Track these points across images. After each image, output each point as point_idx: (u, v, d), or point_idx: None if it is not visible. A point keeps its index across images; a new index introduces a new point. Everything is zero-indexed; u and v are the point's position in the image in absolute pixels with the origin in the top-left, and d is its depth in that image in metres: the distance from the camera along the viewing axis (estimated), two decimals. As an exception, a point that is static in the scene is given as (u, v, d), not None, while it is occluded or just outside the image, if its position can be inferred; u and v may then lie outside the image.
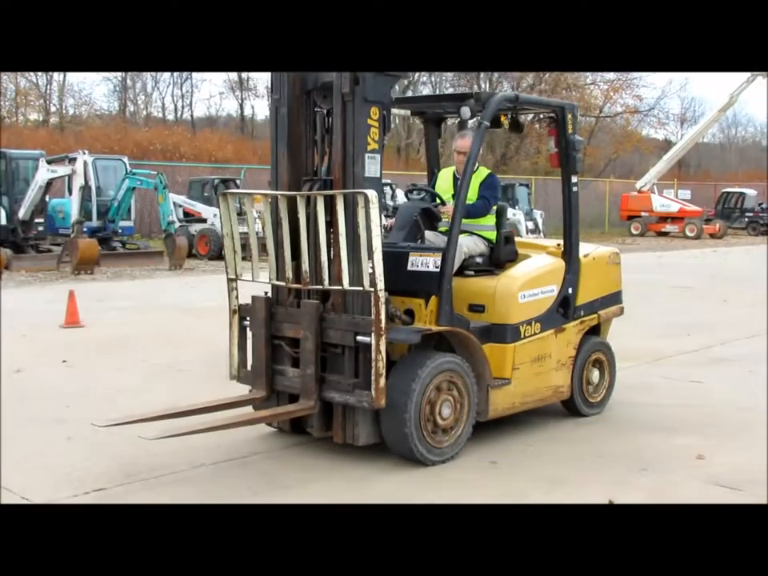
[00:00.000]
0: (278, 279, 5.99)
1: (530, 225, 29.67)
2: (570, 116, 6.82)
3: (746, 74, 37.05)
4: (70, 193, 19.59)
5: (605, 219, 41.07)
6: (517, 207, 29.70)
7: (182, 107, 51.67)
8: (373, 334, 5.31)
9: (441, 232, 6.62)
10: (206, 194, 24.44)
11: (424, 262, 6.02)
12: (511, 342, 6.26)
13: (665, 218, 38.04)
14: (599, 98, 50.40)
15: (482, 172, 6.70)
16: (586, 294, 6.96)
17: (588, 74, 50.90)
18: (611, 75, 51.15)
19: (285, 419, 6.01)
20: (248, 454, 5.99)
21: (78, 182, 18.83)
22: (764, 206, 42.79)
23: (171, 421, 5.68)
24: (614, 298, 7.38)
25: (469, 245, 6.52)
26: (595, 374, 7.09)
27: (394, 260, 5.94)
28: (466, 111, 6.15)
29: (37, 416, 6.81)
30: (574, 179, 6.95)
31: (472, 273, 6.54)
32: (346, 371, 5.62)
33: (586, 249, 7.19)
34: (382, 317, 5.30)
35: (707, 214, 39.97)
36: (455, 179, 6.76)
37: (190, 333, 10.84)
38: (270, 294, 6.12)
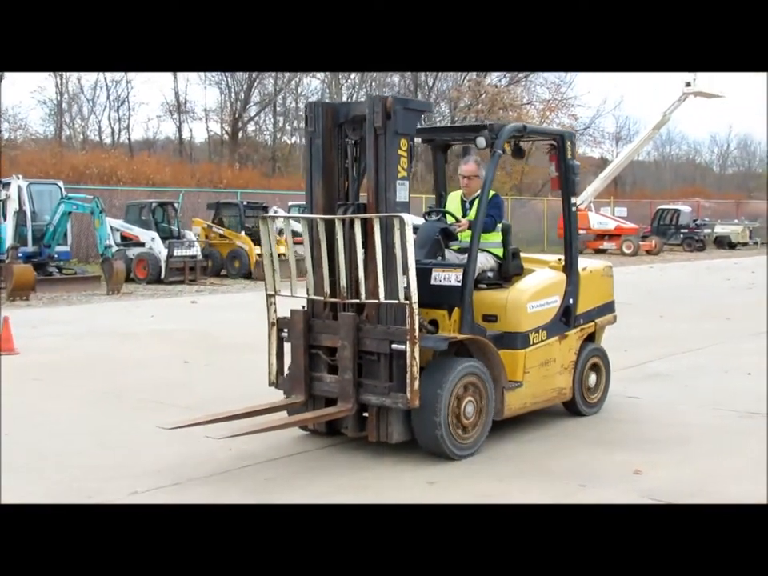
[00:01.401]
0: (315, 294, 6.47)
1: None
2: (569, 143, 7.42)
3: (678, 93, 37.77)
4: (5, 218, 19.33)
5: (544, 237, 41.42)
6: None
7: (120, 130, 51.31)
8: (408, 342, 5.86)
9: (453, 250, 7.25)
10: (143, 218, 24.25)
11: (446, 277, 6.66)
12: (522, 348, 6.86)
13: (602, 236, 38.48)
14: (535, 117, 50.95)
15: (490, 194, 7.04)
16: (584, 304, 7.60)
17: (525, 94, 51.61)
18: (547, 95, 51.90)
19: (326, 420, 6.47)
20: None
21: (12, 207, 18.61)
22: (698, 222, 43.59)
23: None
24: (608, 307, 8.11)
25: (481, 261, 6.95)
26: (593, 378, 7.74)
27: (418, 275, 6.23)
28: (481, 141, 6.73)
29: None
30: (574, 200, 7.61)
31: (484, 286, 7.02)
32: (381, 376, 6.15)
33: (582, 263, 7.77)
34: (416, 326, 5.85)
35: (643, 230, 40.54)
36: (462, 201, 7.46)
37: (128, 358, 10.69)
38: (306, 308, 6.60)
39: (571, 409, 7.61)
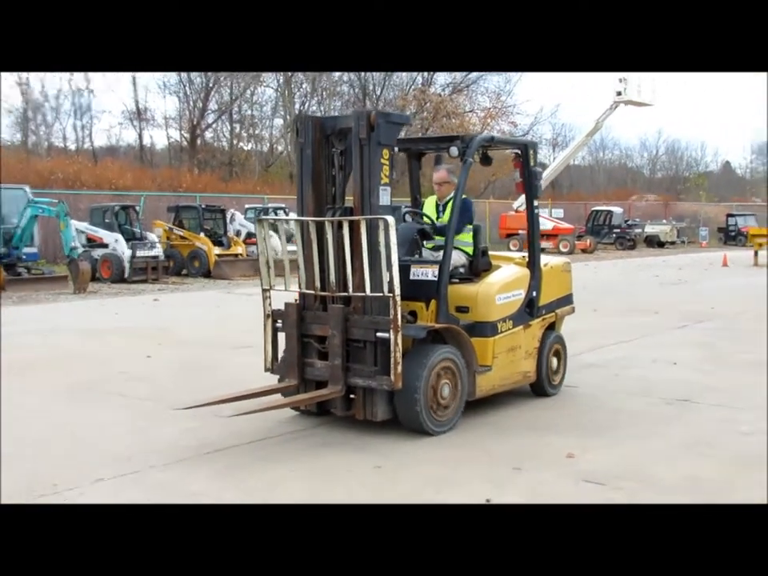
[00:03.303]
0: (307, 288, 6.79)
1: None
2: (531, 151, 7.77)
3: (610, 101, 38.20)
4: (-27, 222, 19.02)
5: (486, 237, 41.63)
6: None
7: (83, 137, 50.70)
8: (391, 331, 6.18)
9: (428, 248, 7.59)
10: (107, 221, 24.09)
11: (424, 273, 7.02)
12: (491, 335, 7.20)
13: (541, 235, 38.62)
14: (477, 124, 51.21)
15: (458, 195, 7.26)
16: (546, 297, 7.97)
17: (467, 102, 51.78)
18: (488, 103, 52.16)
19: (318, 401, 6.74)
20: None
21: None
22: (630, 222, 44.10)
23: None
24: (567, 299, 8.51)
25: (454, 258, 7.18)
26: (554, 362, 8.16)
27: (399, 271, 6.54)
28: (454, 150, 7.09)
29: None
30: (536, 203, 7.89)
31: (456, 280, 7.29)
32: (367, 361, 6.46)
33: (544, 260, 8.11)
34: (399, 317, 6.18)
35: (579, 230, 40.91)
36: (437, 205, 7.79)
37: (94, 354, 10.63)
38: (298, 301, 6.93)
39: (538, 390, 8.03)
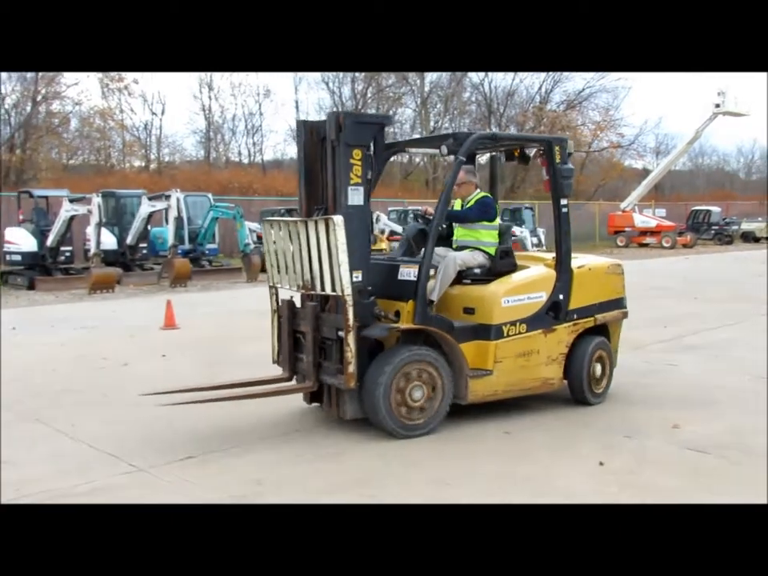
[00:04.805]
0: (297, 287, 6.05)
1: (535, 240, 29.51)
2: (557, 148, 6.41)
3: (709, 113, 36.58)
4: (167, 223, 19.71)
5: (595, 234, 40.66)
6: (523, 226, 29.62)
7: (254, 153, 52.00)
8: (344, 330, 5.45)
9: (454, 249, 6.61)
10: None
11: (408, 273, 6.00)
12: (494, 339, 6.02)
13: (645, 232, 37.56)
14: (588, 136, 49.99)
15: (480, 194, 6.66)
16: (579, 300, 6.51)
17: (579, 117, 50.59)
18: (598, 117, 50.81)
19: (289, 394, 6.24)
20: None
21: (172, 214, 18.97)
22: (727, 220, 42.21)
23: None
24: (615, 304, 6.86)
25: (465, 258, 6.37)
26: (598, 369, 6.65)
27: (390, 271, 6.07)
28: (444, 149, 6.02)
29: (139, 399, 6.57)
30: (563, 201, 6.48)
31: (469, 281, 6.36)
32: (333, 359, 5.73)
33: (582, 261, 6.77)
34: (350, 316, 5.41)
35: (680, 228, 39.43)
36: (462, 206, 6.73)
37: (265, 331, 10.81)
38: (292, 298, 6.26)
39: (577, 398, 6.60)
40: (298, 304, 6.23)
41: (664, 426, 5.94)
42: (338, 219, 5.39)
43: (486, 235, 6.54)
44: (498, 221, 6.67)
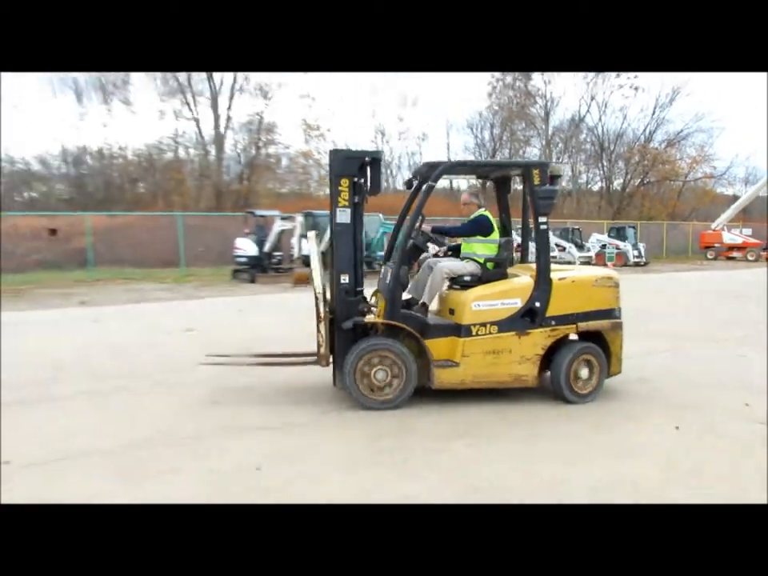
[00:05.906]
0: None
1: (636, 253, 28.43)
2: (536, 172, 5.66)
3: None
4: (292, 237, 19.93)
5: (688, 249, 38.53)
6: (626, 241, 28.66)
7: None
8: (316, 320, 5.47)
9: (461, 258, 6.21)
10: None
11: (385, 276, 5.93)
12: (463, 336, 5.61)
13: (732, 248, 35.23)
14: (685, 168, 47.23)
15: (478, 213, 6.22)
16: (559, 308, 5.73)
17: (677, 152, 47.90)
18: (693, 152, 47.92)
19: (298, 364, 6.11)
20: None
21: (297, 232, 19.21)
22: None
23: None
24: (603, 314, 5.86)
25: (452, 267, 5.96)
26: (584, 371, 5.81)
27: (385, 274, 5.97)
28: (415, 173, 5.86)
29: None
30: (542, 219, 5.65)
31: (458, 287, 5.98)
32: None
33: (566, 273, 5.93)
34: (320, 309, 5.41)
35: (763, 245, 36.65)
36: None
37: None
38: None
39: (557, 395, 5.83)
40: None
41: (736, 404, 5.71)
42: (311, 234, 5.62)
43: (481, 248, 6.05)
44: (496, 235, 6.10)
